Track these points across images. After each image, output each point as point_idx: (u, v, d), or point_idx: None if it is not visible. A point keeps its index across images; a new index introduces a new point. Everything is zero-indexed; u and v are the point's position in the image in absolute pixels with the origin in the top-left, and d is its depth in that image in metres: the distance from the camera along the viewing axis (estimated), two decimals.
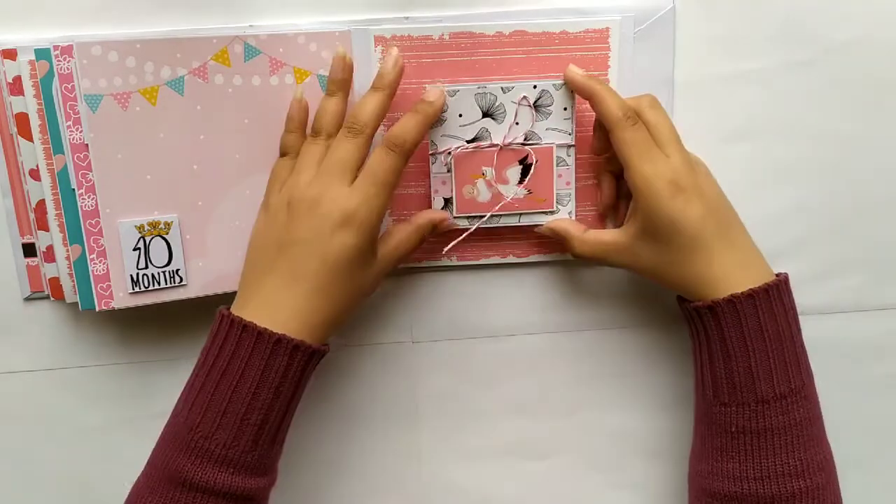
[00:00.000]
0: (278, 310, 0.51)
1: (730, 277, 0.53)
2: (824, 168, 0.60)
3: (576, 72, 0.56)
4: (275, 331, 0.50)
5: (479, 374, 0.64)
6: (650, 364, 0.65)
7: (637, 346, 0.64)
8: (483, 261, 0.62)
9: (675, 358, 0.64)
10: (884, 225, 0.62)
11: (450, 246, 0.60)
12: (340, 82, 0.55)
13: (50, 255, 0.57)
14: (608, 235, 0.58)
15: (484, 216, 0.59)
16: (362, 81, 0.57)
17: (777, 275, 0.55)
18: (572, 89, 0.57)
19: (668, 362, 0.64)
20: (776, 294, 0.53)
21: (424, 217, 0.58)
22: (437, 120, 0.57)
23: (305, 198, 0.52)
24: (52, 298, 0.58)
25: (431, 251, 0.61)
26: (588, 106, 0.56)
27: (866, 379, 0.64)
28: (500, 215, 0.60)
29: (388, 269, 0.56)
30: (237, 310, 0.52)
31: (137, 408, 0.62)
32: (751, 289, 0.52)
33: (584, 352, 0.64)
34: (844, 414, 0.62)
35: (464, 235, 0.60)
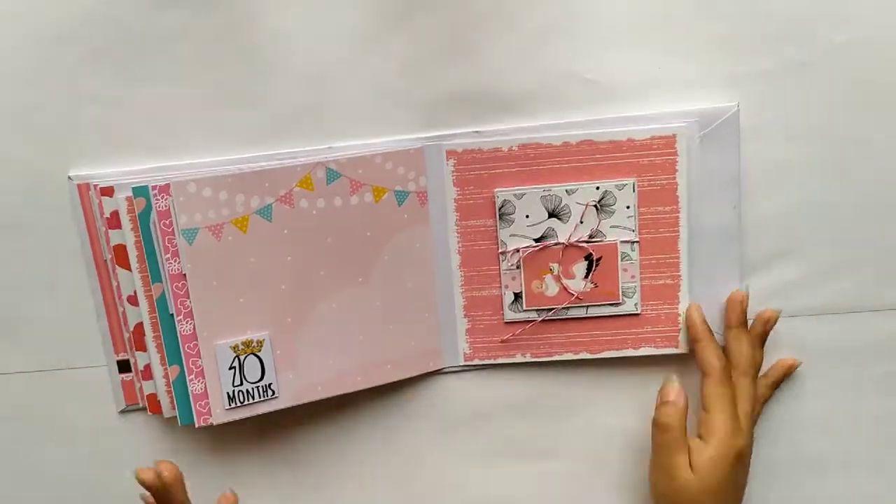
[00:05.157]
0: None
1: None
2: (824, 168, 0.60)
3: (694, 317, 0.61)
4: None
5: None
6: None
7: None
8: (556, 357, 0.64)
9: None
10: (884, 225, 0.61)
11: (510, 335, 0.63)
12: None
13: (147, 374, 0.60)
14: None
15: (552, 308, 0.62)
16: (438, 198, 0.60)
17: None
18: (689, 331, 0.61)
19: None
20: None
21: None
22: (507, 221, 0.60)
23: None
24: (148, 412, 0.61)
25: (507, 349, 0.64)
26: (652, 206, 0.59)
27: (866, 379, 0.63)
28: (569, 307, 0.62)
29: None
30: None
31: None
32: None
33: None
34: (844, 414, 0.63)
35: (529, 325, 0.63)
